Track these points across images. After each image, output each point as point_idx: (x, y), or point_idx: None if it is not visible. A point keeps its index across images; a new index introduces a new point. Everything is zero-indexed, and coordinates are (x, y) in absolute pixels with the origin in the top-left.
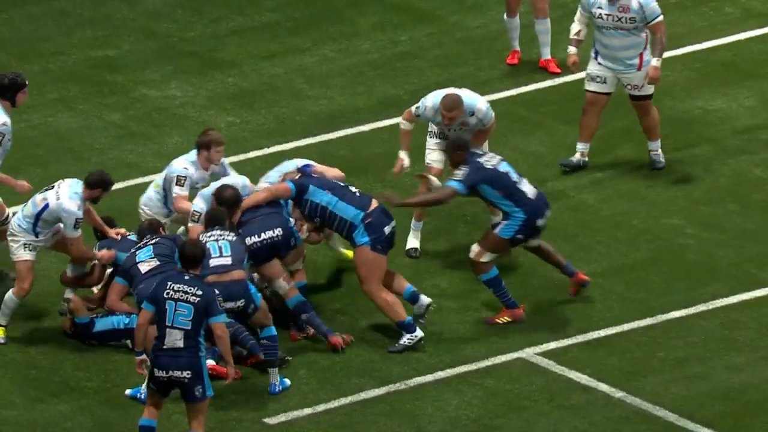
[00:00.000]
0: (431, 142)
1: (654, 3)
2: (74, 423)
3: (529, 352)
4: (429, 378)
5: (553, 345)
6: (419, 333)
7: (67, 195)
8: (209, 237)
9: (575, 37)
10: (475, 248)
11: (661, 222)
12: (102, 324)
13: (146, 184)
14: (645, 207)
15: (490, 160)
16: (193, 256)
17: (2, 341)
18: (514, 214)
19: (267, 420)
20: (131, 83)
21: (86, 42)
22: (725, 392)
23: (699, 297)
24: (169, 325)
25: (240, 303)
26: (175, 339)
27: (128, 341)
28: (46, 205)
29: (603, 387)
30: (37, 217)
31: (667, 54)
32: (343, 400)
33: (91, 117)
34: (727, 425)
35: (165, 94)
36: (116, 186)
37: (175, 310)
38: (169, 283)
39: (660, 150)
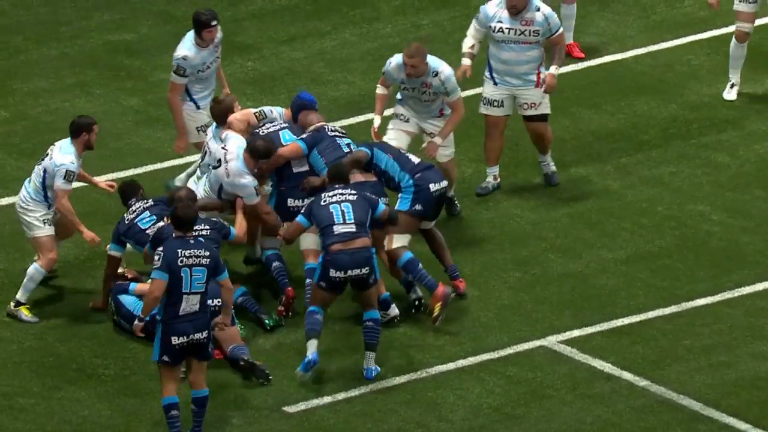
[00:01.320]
0: (393, 123)
1: (556, 15)
2: (92, 411)
3: (552, 340)
4: (450, 366)
5: (576, 333)
6: (394, 311)
7: (58, 152)
8: (331, 198)
9: (469, 50)
10: (386, 242)
11: (687, 208)
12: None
13: (164, 170)
14: (670, 193)
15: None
16: (187, 219)
17: (33, 320)
18: (404, 183)
19: (287, 408)
20: (149, 68)
21: (104, 26)
22: (751, 381)
23: (725, 284)
24: (187, 291)
25: (365, 270)
26: (192, 304)
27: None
28: (45, 170)
29: (627, 375)
30: (44, 185)
31: (693, 37)
32: (364, 389)
33: (108, 102)
34: (753, 414)
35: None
36: (134, 171)
37: (191, 275)
38: (179, 250)
39: (551, 161)
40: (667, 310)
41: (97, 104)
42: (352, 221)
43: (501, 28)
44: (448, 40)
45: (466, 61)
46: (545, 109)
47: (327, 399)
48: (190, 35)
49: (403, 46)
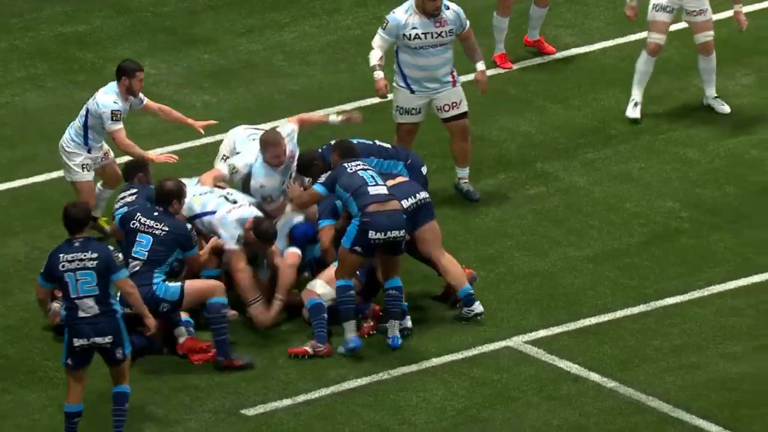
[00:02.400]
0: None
1: (462, 10)
2: (43, 414)
3: (517, 341)
4: (414, 368)
5: (542, 333)
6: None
7: (101, 92)
8: (356, 167)
9: (379, 62)
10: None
11: (656, 205)
12: None
13: (119, 165)
14: (639, 189)
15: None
16: (77, 219)
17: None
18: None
19: (245, 411)
20: (102, 60)
21: (55, 17)
22: (722, 382)
23: (694, 283)
24: (76, 296)
25: (402, 233)
26: (88, 308)
27: None
28: (87, 110)
29: (594, 377)
30: (85, 127)
31: None
32: (324, 391)
33: (60, 95)
34: (724, 416)
35: None
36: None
37: (77, 280)
38: (61, 255)
39: (467, 177)
40: (636, 310)
41: (49, 97)
42: (383, 184)
43: (417, 34)
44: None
45: (380, 75)
46: (465, 107)
47: (287, 401)
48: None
49: (362, 38)
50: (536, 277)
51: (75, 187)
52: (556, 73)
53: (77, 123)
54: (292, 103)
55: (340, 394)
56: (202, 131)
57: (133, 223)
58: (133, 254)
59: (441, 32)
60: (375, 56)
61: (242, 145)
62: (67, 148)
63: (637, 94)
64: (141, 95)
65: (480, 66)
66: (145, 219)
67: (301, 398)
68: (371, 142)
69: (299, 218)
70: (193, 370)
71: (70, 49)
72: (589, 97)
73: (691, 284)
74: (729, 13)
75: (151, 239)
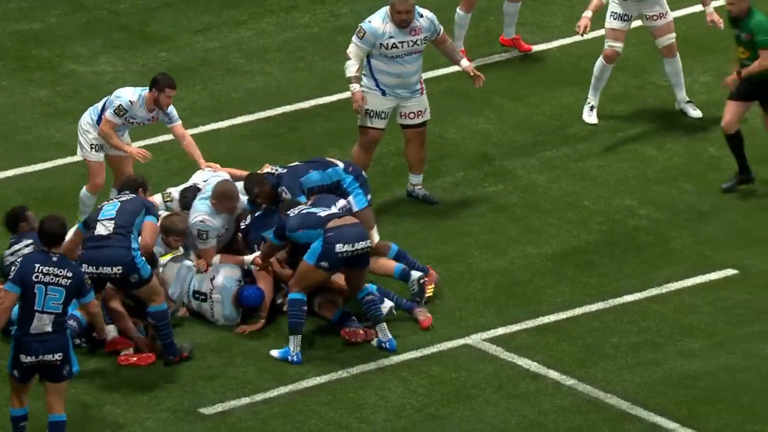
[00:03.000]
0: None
1: (435, 16)
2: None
3: (476, 339)
4: (372, 366)
5: (501, 331)
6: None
7: (129, 88)
8: (298, 210)
9: (356, 74)
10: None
11: (614, 203)
12: None
13: (75, 164)
14: (596, 187)
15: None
16: (52, 233)
17: None
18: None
19: (203, 410)
20: (58, 58)
21: (10, 14)
22: (679, 379)
23: (653, 280)
24: (39, 309)
25: (369, 243)
26: (44, 323)
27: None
28: (107, 98)
29: (553, 374)
30: (103, 109)
31: None
32: (283, 389)
33: (16, 93)
34: (681, 413)
35: (94, 70)
36: (43, 166)
37: (46, 294)
38: (37, 265)
39: (421, 183)
40: (594, 307)
41: (4, 96)
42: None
43: (394, 43)
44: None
45: (356, 88)
46: (428, 115)
47: (245, 400)
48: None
49: (320, 36)
50: (495, 275)
51: (86, 164)
52: (515, 71)
53: (97, 105)
54: (249, 100)
55: (298, 393)
56: (204, 169)
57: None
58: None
59: (416, 40)
60: (352, 68)
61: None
62: (83, 125)
63: (593, 99)
64: (174, 115)
65: (464, 62)
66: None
67: (259, 397)
68: (303, 163)
69: (227, 269)
70: (151, 370)
71: (25, 46)
72: (547, 95)
73: (650, 282)
74: (686, 11)
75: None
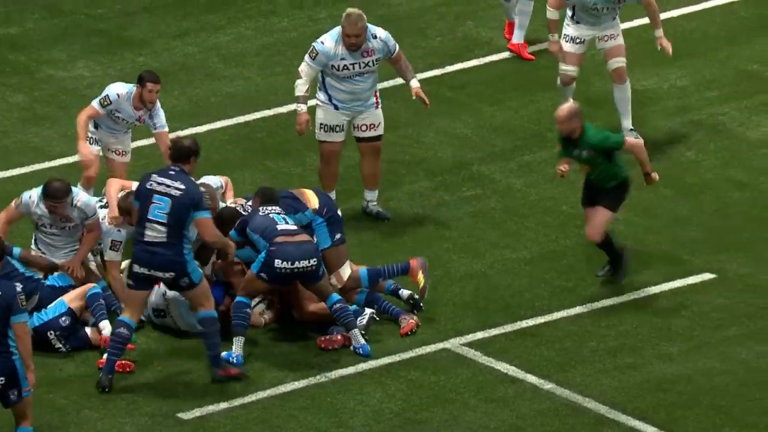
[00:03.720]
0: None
1: (390, 35)
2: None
3: (454, 343)
4: (351, 370)
5: (479, 335)
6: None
7: (120, 83)
8: (270, 210)
9: (304, 95)
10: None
11: None
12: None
13: (53, 169)
14: (575, 192)
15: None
16: None
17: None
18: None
19: (181, 415)
20: (35, 63)
21: None
22: (657, 383)
23: (631, 285)
24: None
25: (313, 262)
26: None
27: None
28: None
29: (531, 378)
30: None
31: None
32: (261, 394)
33: None
34: (660, 417)
35: (72, 75)
36: (21, 171)
37: None
38: None
39: (376, 199)
40: (573, 311)
41: None
42: (294, 224)
43: (345, 65)
44: None
45: (303, 109)
46: (382, 129)
47: (223, 405)
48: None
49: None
50: (473, 280)
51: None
52: (493, 75)
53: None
54: (227, 105)
55: (277, 398)
56: None
57: None
58: None
59: (368, 62)
60: (301, 88)
61: None
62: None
63: None
64: (162, 123)
65: (414, 83)
66: None
67: (237, 402)
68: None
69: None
70: (130, 375)
71: (2, 51)
72: (525, 99)
73: (628, 286)
74: (666, 15)
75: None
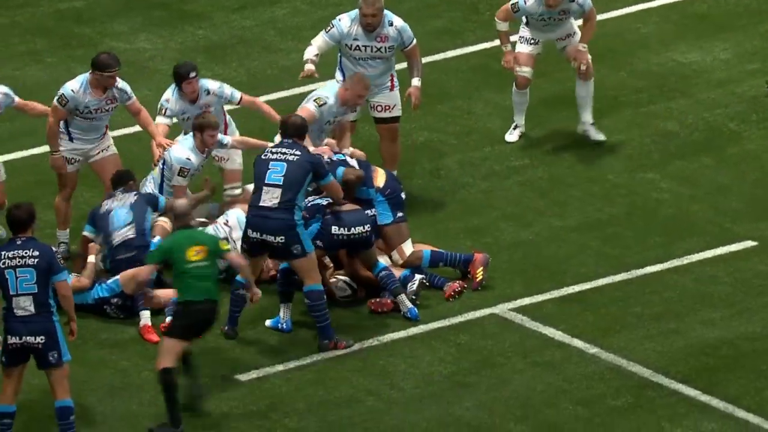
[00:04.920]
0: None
1: (408, 28)
2: (42, 380)
3: (502, 308)
4: (402, 334)
5: (527, 301)
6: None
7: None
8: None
9: (313, 57)
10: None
11: (636, 177)
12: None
13: (119, 138)
14: (620, 161)
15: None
16: (19, 220)
17: None
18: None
19: (239, 377)
20: (99, 36)
21: None
22: (700, 348)
23: (674, 252)
24: (15, 294)
25: (367, 228)
26: (24, 306)
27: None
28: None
29: (577, 343)
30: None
31: (642, 6)
32: (316, 357)
33: (59, 70)
34: (702, 381)
35: (134, 47)
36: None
37: (17, 277)
38: (2, 252)
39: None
40: (617, 278)
41: (48, 72)
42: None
43: (357, 46)
44: (399, 9)
45: (310, 66)
46: (398, 111)
47: (279, 367)
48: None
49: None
50: (521, 247)
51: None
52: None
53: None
54: (283, 77)
55: (330, 360)
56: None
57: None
58: None
59: (381, 47)
60: (310, 52)
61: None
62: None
63: (518, 119)
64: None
65: (415, 82)
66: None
67: (292, 364)
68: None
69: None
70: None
71: (68, 24)
72: (571, 72)
73: (671, 253)
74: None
75: None
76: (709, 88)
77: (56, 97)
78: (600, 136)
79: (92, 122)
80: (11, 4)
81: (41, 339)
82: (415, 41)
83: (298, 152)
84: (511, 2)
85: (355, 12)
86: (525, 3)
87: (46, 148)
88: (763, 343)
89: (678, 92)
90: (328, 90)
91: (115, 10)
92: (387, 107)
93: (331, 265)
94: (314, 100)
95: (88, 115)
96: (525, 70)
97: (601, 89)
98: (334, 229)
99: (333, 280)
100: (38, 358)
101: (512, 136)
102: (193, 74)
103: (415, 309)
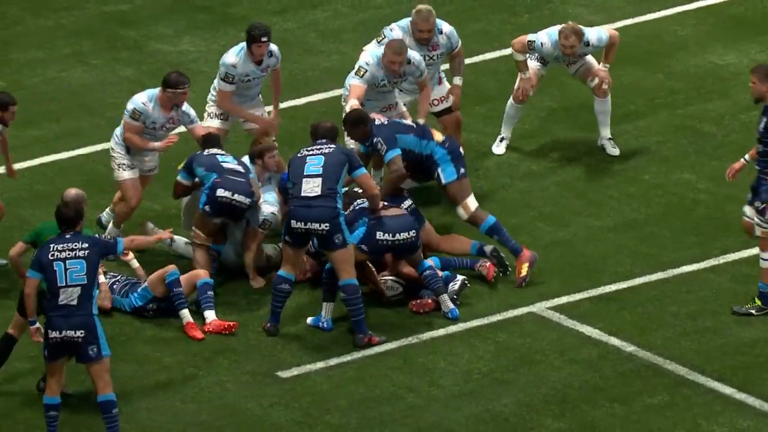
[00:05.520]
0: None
1: (455, 32)
2: (88, 377)
3: (540, 307)
4: (441, 332)
5: (564, 299)
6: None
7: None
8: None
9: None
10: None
11: (673, 177)
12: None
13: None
14: (656, 162)
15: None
16: (67, 218)
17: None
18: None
19: (280, 373)
20: (144, 38)
21: None
22: (736, 346)
23: (710, 251)
24: (63, 285)
25: (413, 233)
26: (69, 297)
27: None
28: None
29: (614, 341)
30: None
31: (679, 8)
32: (356, 354)
33: (104, 72)
34: (738, 379)
35: (178, 49)
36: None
37: (66, 268)
38: (51, 245)
39: None
40: (654, 277)
41: (93, 74)
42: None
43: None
44: (439, 11)
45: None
46: (450, 102)
47: (320, 364)
48: (241, 46)
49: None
50: (558, 246)
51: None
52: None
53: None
54: (324, 79)
55: (370, 358)
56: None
57: None
58: None
59: (433, 56)
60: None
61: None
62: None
63: (504, 131)
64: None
65: (457, 81)
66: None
67: (333, 361)
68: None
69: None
70: (232, 335)
71: (113, 27)
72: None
73: (707, 253)
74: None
75: None
76: (746, 89)
77: (127, 113)
78: (615, 151)
79: (150, 138)
80: (57, 6)
81: (81, 333)
82: (460, 43)
83: (332, 146)
84: (528, 38)
85: (406, 22)
86: (541, 45)
87: (91, 149)
88: None
89: (715, 94)
90: (366, 56)
91: (159, 13)
92: (442, 99)
93: (373, 269)
94: (355, 74)
95: (151, 131)
96: (529, 89)
97: (638, 91)
98: (379, 235)
99: (382, 280)
100: (78, 352)
101: (499, 148)
102: (264, 39)
103: (456, 310)
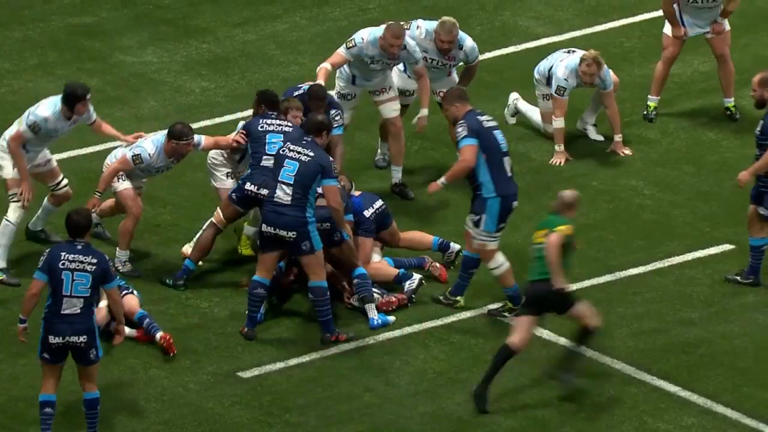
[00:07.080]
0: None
1: (476, 49)
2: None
3: (493, 309)
4: (397, 333)
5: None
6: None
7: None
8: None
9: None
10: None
11: (620, 183)
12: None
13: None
14: (604, 168)
15: (489, 121)
16: (77, 225)
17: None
18: (488, 194)
19: (241, 374)
20: (108, 49)
21: (65, 9)
22: (680, 346)
23: (656, 255)
24: (67, 294)
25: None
26: (72, 306)
27: None
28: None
29: (563, 342)
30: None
31: (625, 21)
32: (315, 355)
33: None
34: (682, 378)
35: (141, 60)
36: (95, 149)
37: (73, 279)
38: (63, 253)
39: None
40: (602, 280)
41: (59, 84)
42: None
43: (426, 57)
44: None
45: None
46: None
47: (280, 364)
48: (57, 101)
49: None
50: (509, 250)
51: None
52: (528, 62)
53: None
54: (284, 88)
55: (328, 358)
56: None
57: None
58: None
59: (446, 64)
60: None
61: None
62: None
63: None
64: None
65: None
66: None
67: (293, 361)
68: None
69: None
70: (193, 337)
71: (78, 38)
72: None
73: (653, 256)
74: None
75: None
76: (690, 98)
77: (131, 154)
78: (599, 137)
79: (149, 175)
80: (24, 19)
81: (84, 338)
82: (479, 59)
83: (312, 153)
84: (557, 86)
85: (432, 26)
86: (567, 80)
87: (90, 150)
88: (741, 341)
89: (660, 103)
90: (364, 32)
91: (123, 25)
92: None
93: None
94: (345, 44)
95: (150, 173)
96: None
97: (585, 100)
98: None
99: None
100: (79, 355)
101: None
102: (89, 96)
103: (375, 321)
